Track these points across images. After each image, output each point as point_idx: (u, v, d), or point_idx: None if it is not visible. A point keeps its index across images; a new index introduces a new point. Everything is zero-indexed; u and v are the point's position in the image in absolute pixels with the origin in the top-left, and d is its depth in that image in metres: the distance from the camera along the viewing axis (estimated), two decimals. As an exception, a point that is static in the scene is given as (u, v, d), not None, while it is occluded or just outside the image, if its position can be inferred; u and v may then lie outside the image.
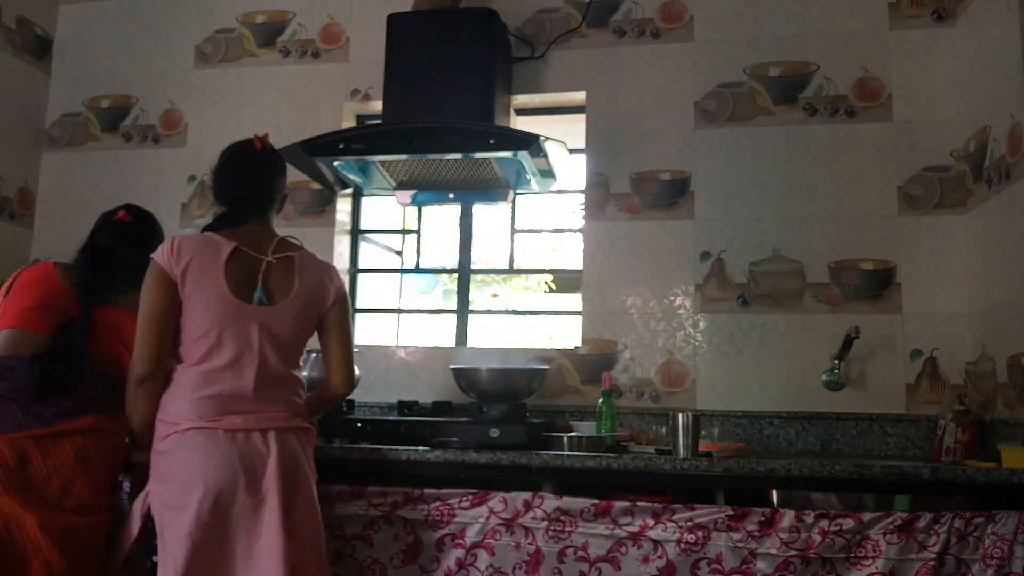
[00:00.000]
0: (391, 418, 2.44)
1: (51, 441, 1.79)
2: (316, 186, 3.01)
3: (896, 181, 2.68)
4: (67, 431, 1.81)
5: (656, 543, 1.95)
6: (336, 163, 2.71)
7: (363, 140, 2.59)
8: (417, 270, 3.27)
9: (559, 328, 4.14)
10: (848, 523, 1.91)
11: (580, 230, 2.95)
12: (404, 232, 3.31)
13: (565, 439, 2.24)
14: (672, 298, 2.77)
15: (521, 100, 3.02)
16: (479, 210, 3.16)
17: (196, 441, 1.74)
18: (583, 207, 2.93)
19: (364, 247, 3.22)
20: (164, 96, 3.25)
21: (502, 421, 2.31)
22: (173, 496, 1.73)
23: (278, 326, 1.86)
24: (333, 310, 1.98)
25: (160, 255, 1.83)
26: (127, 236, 2.08)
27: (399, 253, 3.35)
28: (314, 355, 2.60)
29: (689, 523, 1.94)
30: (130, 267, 1.96)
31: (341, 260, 3.09)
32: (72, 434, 1.82)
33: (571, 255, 4.27)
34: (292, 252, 1.95)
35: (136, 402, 1.82)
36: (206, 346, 1.80)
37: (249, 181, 1.98)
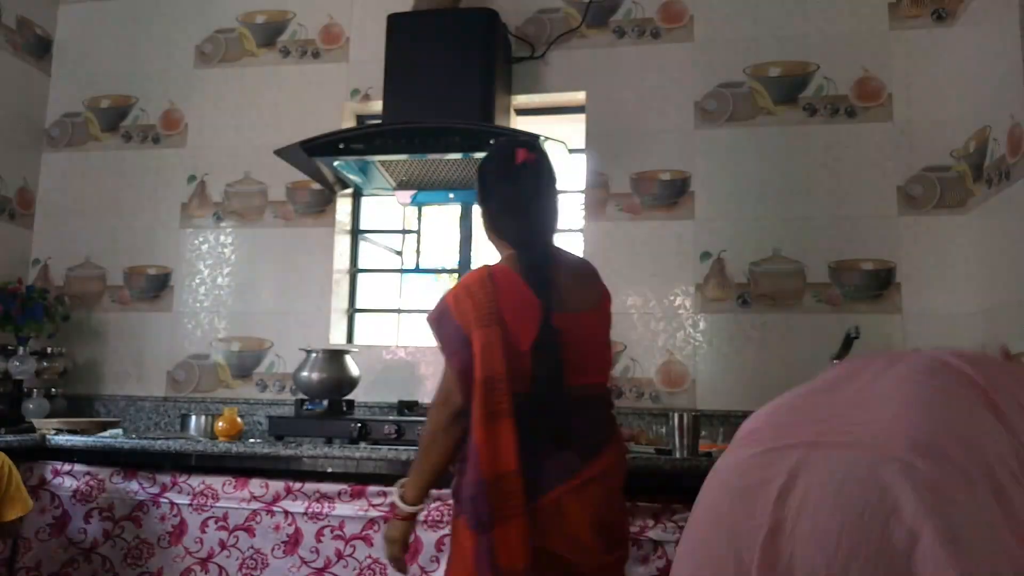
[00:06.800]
0: (391, 418, 2.44)
1: None
2: (316, 186, 3.01)
3: (896, 181, 2.68)
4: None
5: (656, 543, 1.95)
6: (336, 163, 2.71)
7: (363, 140, 2.59)
8: (417, 270, 3.27)
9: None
10: (848, 523, 1.91)
11: (580, 230, 2.95)
12: (404, 232, 3.31)
13: (565, 439, 2.23)
14: (672, 298, 2.77)
15: (521, 100, 3.02)
16: (479, 210, 3.15)
17: None
18: (583, 207, 2.93)
19: (364, 247, 3.21)
20: (164, 96, 3.25)
21: (502, 421, 2.30)
22: None
23: None
24: None
25: None
26: None
27: (399, 253, 3.35)
28: (314, 355, 2.61)
29: (689, 523, 1.94)
30: None
31: (341, 260, 3.09)
32: None
33: (571, 255, 4.26)
34: None
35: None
36: None
37: None
